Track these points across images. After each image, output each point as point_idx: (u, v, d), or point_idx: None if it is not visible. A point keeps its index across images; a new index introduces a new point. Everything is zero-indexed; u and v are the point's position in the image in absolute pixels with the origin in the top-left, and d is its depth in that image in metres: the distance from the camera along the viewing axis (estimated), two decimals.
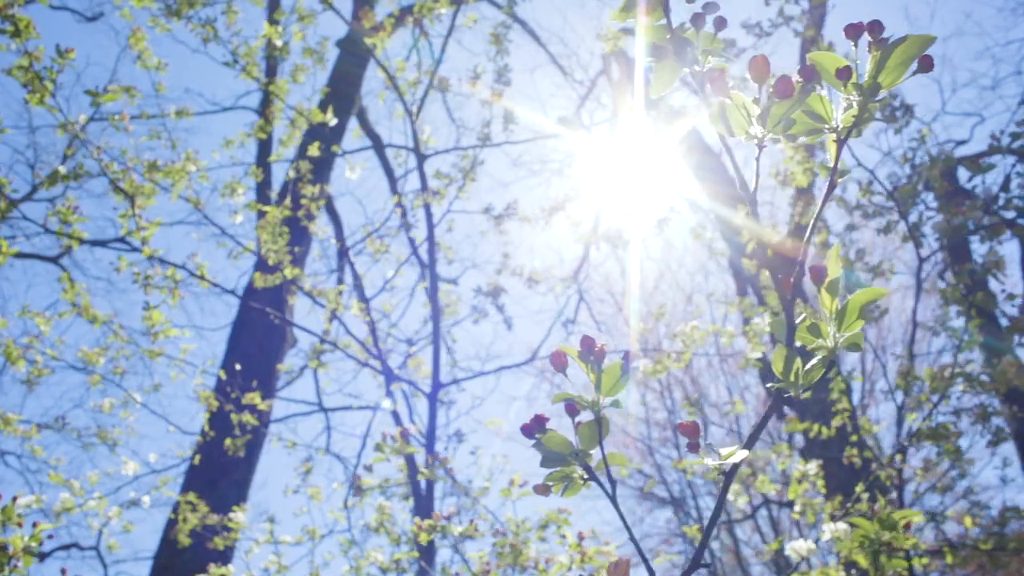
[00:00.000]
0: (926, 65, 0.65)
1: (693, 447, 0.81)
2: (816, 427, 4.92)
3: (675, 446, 14.79)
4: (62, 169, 3.48)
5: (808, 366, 0.74)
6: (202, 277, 3.81)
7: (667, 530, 14.51)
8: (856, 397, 10.24)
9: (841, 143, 0.68)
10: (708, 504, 14.22)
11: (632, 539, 0.90)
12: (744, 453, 0.79)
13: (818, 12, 8.78)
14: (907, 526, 1.81)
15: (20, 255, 10.71)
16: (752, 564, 14.23)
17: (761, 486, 4.50)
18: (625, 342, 10.54)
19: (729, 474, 0.82)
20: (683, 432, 0.83)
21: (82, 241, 3.61)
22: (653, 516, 14.75)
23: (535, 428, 0.94)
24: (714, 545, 14.69)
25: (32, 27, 3.06)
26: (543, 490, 0.99)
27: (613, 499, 0.93)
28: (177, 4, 4.37)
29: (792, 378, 0.75)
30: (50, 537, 2.38)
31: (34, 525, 2.34)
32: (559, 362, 0.93)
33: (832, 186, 0.69)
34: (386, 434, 2.27)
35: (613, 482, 0.93)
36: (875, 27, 0.64)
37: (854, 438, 4.74)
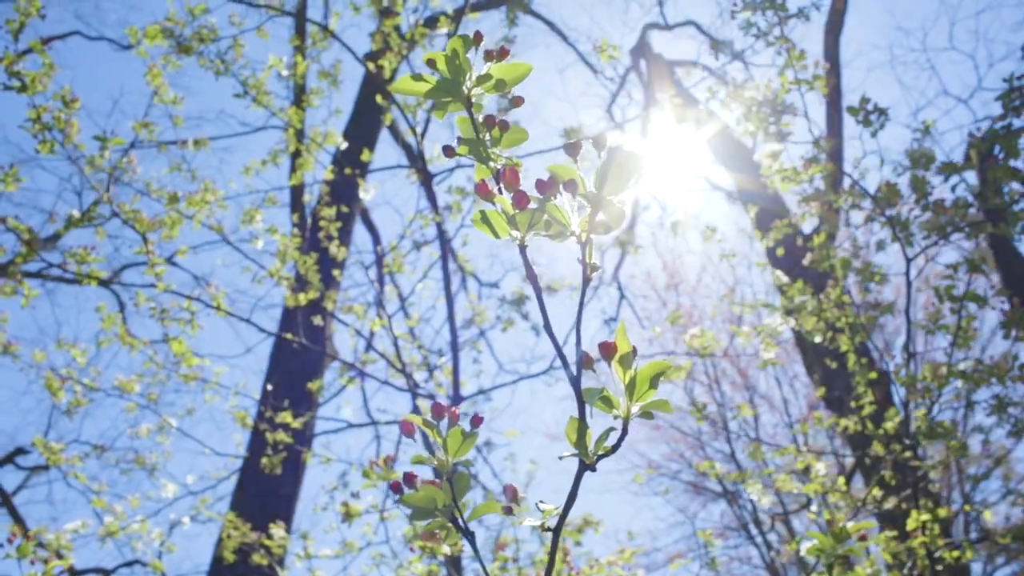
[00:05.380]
0: (651, 173, 0.71)
1: (507, 511, 0.88)
2: (842, 422, 4.91)
3: (726, 440, 14.71)
4: (76, 213, 3.64)
5: (598, 436, 0.80)
6: (218, 307, 3.94)
7: (722, 524, 14.43)
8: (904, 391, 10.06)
9: (583, 245, 0.74)
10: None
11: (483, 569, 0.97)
12: (560, 513, 0.85)
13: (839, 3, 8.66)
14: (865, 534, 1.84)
15: (70, 280, 11.06)
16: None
17: (784, 485, 4.51)
18: (667, 339, 10.49)
19: (556, 530, 0.89)
20: (505, 493, 0.90)
21: (100, 281, 3.76)
22: (707, 510, 14.68)
23: (405, 485, 1.02)
24: (771, 538, 14.55)
25: (38, 81, 3.21)
26: (428, 537, 1.07)
27: (474, 546, 0.99)
28: (187, 41, 4.52)
29: (584, 448, 0.81)
30: (61, 572, 2.51)
31: (45, 562, 2.47)
32: (407, 430, 1.00)
33: (586, 281, 0.75)
34: (373, 461, 2.35)
35: (471, 533, 0.99)
36: (599, 141, 0.70)
37: (880, 431, 4.72)
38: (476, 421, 0.97)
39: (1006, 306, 2.88)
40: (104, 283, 3.79)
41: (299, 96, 6.77)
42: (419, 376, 5.91)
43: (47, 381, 5.04)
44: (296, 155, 5.66)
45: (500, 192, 0.76)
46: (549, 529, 0.89)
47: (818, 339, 4.66)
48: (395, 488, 1.02)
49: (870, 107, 2.79)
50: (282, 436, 5.42)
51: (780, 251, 4.71)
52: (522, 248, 0.76)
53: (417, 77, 0.84)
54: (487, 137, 0.80)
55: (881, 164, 2.90)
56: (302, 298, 4.46)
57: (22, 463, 10.72)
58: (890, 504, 3.81)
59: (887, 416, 4.60)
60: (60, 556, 5.10)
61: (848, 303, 4.56)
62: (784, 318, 4.36)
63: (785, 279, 4.44)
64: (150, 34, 4.65)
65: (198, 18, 4.55)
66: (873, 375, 4.22)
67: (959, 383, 3.14)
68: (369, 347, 5.88)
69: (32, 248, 3.46)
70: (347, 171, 5.12)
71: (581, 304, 0.77)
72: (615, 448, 0.81)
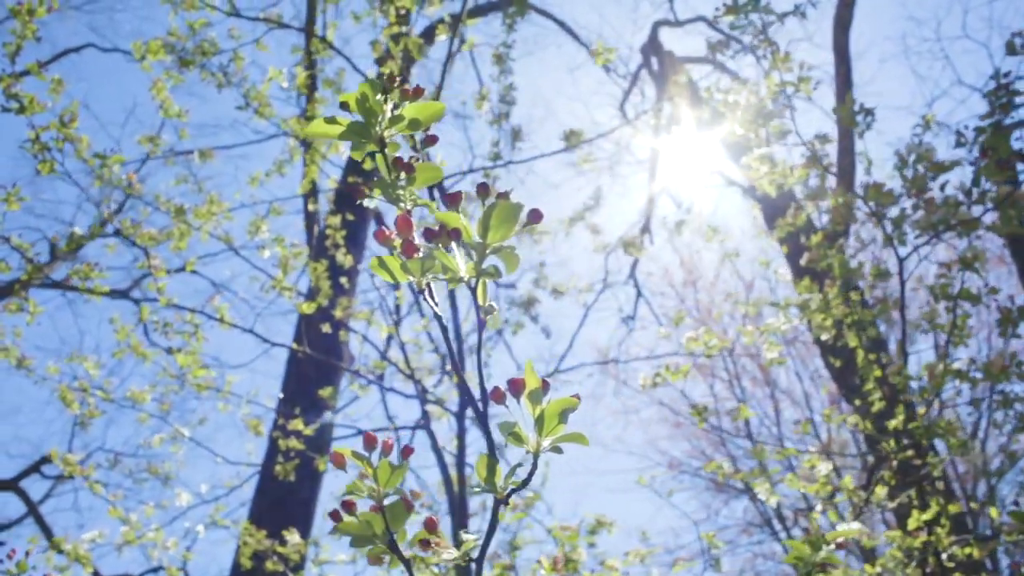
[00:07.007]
0: (535, 218, 0.73)
1: (424, 544, 0.89)
2: (850, 420, 4.89)
3: (747, 435, 14.64)
4: (78, 231, 3.70)
5: (508, 471, 0.82)
6: (221, 320, 3.99)
7: (744, 520, 14.36)
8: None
9: (473, 289, 0.76)
10: (783, 490, 14.04)
11: None
12: (480, 546, 0.87)
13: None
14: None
15: (89, 290, 11.21)
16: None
17: (792, 484, 4.49)
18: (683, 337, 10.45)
19: (478, 561, 0.90)
20: (425, 527, 0.92)
21: (111, 293, 3.82)
22: (729, 508, 14.61)
23: (344, 513, 1.04)
24: (795, 533, 14.45)
25: (36, 102, 3.26)
26: (375, 560, 1.09)
27: (411, 574, 1.01)
28: (188, 55, 4.57)
29: (494, 483, 0.82)
30: None
31: None
32: (338, 462, 1.02)
33: (481, 324, 0.76)
34: (361, 472, 2.37)
35: (408, 561, 1.01)
36: (481, 190, 0.72)
37: (889, 430, 4.69)
38: (407, 452, 1.00)
39: (1005, 304, 2.86)
40: (121, 294, 3.84)
41: (309, 103, 6.82)
42: (430, 381, 5.94)
43: (61, 393, 5.10)
44: (306, 163, 5.71)
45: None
46: (472, 560, 0.90)
47: (824, 336, 4.64)
48: (333, 516, 1.04)
49: (856, 108, 2.78)
50: (295, 443, 5.46)
51: (785, 249, 4.70)
52: (423, 292, 0.78)
53: (330, 120, 0.86)
54: (400, 178, 0.82)
55: (869, 165, 2.89)
56: (306, 307, 4.50)
57: (47, 472, 10.85)
58: (893, 504, 3.79)
59: (895, 413, 4.58)
60: (83, 564, 5.19)
61: (855, 300, 4.54)
62: (787, 317, 4.35)
63: (788, 277, 4.43)
64: (152, 49, 4.70)
65: (199, 32, 4.60)
66: (878, 373, 4.20)
67: (956, 382, 3.12)
68: (384, 356, 5.91)
69: (50, 263, 3.52)
70: (350, 179, 5.16)
71: (479, 346, 0.79)
72: (525, 483, 0.83)
